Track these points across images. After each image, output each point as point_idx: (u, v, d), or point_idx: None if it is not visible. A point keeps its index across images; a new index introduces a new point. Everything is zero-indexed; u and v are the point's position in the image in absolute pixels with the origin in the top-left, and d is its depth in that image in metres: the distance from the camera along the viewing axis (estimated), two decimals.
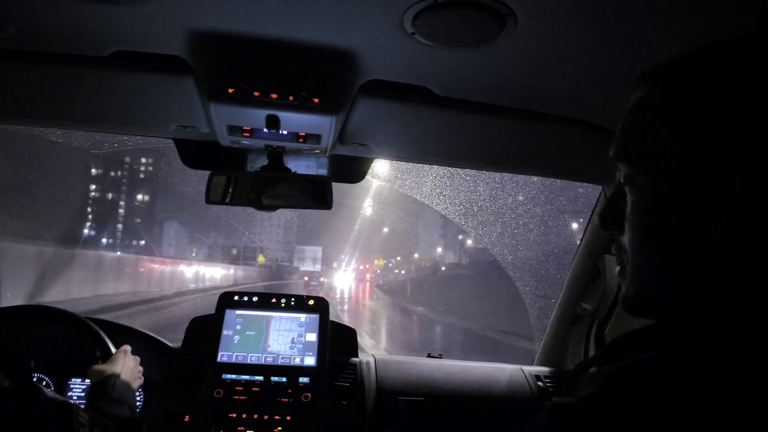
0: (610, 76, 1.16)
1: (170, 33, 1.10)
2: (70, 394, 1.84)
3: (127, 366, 1.50)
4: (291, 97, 1.21)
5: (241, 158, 1.70)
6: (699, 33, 0.95)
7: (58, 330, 1.73)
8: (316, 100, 1.22)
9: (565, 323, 2.21)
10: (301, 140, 1.43)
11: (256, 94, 1.21)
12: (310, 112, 1.25)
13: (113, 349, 1.59)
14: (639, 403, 0.45)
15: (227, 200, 1.64)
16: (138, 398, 1.77)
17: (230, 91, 1.20)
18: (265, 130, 1.35)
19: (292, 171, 1.64)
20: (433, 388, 1.97)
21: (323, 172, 1.76)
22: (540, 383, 2.08)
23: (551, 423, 0.50)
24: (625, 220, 0.62)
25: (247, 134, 1.41)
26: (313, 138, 1.42)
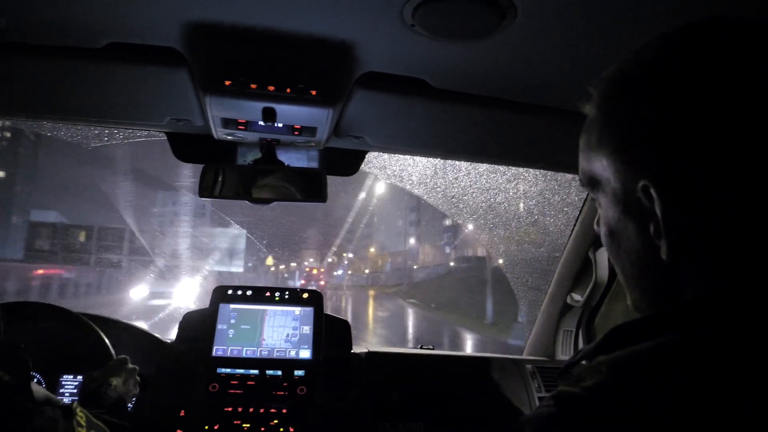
0: (606, 66, 1.17)
1: (165, 24, 1.08)
2: (62, 391, 1.82)
3: (124, 377, 1.49)
4: (288, 90, 1.20)
5: (233, 151, 1.69)
6: None
7: (50, 327, 1.72)
8: (314, 93, 1.22)
9: (555, 314, 2.24)
10: (296, 133, 1.43)
11: (253, 86, 1.20)
12: (306, 104, 1.25)
13: (112, 352, 1.58)
14: (643, 392, 0.45)
15: (220, 194, 1.63)
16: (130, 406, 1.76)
17: (226, 83, 1.19)
18: (261, 123, 1.34)
19: (286, 164, 1.63)
20: (427, 380, 1.98)
21: (317, 164, 1.75)
22: (531, 373, 2.11)
23: (557, 412, 0.50)
24: None
25: (242, 127, 1.41)
26: (309, 131, 1.42)
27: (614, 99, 0.58)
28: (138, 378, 1.57)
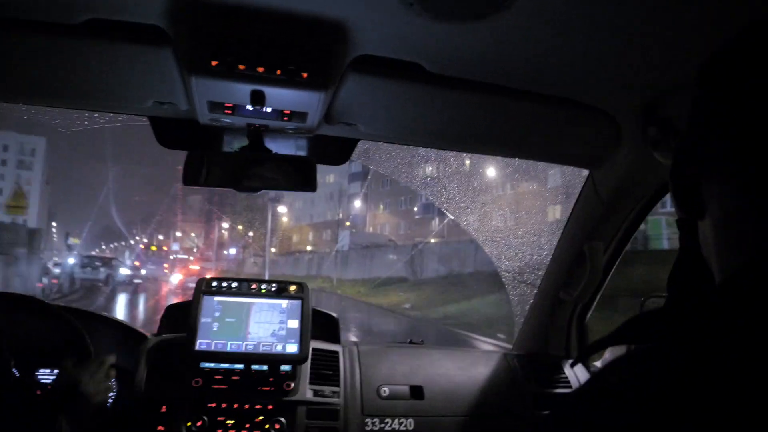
0: (607, 56, 1.14)
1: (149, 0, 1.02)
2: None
3: (95, 379, 1.42)
4: (278, 71, 1.15)
5: (220, 138, 1.63)
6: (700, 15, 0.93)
7: (26, 318, 1.65)
8: (305, 75, 1.16)
9: (546, 309, 2.21)
10: (286, 119, 1.37)
11: (241, 67, 1.14)
12: (297, 87, 1.19)
13: (90, 345, 1.51)
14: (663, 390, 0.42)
15: (205, 181, 1.57)
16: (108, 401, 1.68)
17: (213, 63, 1.13)
18: (249, 107, 1.29)
19: (274, 152, 1.58)
20: (416, 375, 1.95)
21: (306, 153, 1.70)
22: (523, 367, 2.09)
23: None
24: None
25: (229, 111, 1.34)
26: (299, 116, 1.36)
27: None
28: (113, 383, 1.50)
